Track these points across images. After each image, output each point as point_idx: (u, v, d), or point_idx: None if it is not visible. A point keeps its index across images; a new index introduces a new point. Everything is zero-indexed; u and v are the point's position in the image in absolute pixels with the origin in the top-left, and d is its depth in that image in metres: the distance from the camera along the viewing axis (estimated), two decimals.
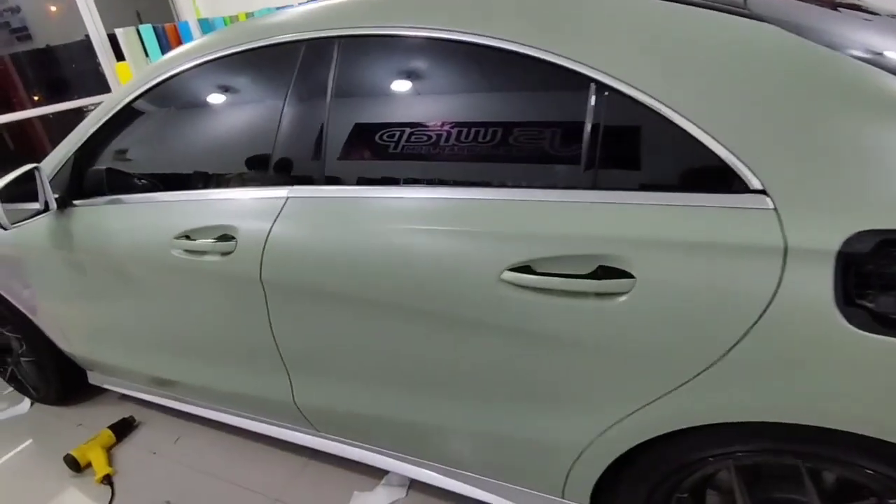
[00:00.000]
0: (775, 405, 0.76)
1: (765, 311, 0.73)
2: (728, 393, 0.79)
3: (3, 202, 1.38)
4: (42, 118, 4.73)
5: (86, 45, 4.59)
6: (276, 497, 1.50)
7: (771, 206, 0.74)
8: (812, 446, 0.79)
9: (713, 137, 0.78)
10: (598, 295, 0.84)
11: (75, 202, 1.52)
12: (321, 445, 1.46)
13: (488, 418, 1.05)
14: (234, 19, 4.03)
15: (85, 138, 1.49)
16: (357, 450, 1.39)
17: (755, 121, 0.76)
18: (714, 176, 0.78)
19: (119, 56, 4.05)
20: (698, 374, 0.80)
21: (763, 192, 0.75)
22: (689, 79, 0.80)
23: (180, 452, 1.72)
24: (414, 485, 1.47)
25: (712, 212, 0.77)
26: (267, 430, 1.55)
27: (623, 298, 0.82)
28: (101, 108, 1.48)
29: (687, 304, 0.78)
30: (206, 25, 3.96)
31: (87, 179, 1.52)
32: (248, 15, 4.06)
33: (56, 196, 1.48)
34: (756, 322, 0.74)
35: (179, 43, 3.92)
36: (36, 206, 1.46)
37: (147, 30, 3.78)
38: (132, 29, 3.74)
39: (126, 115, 1.45)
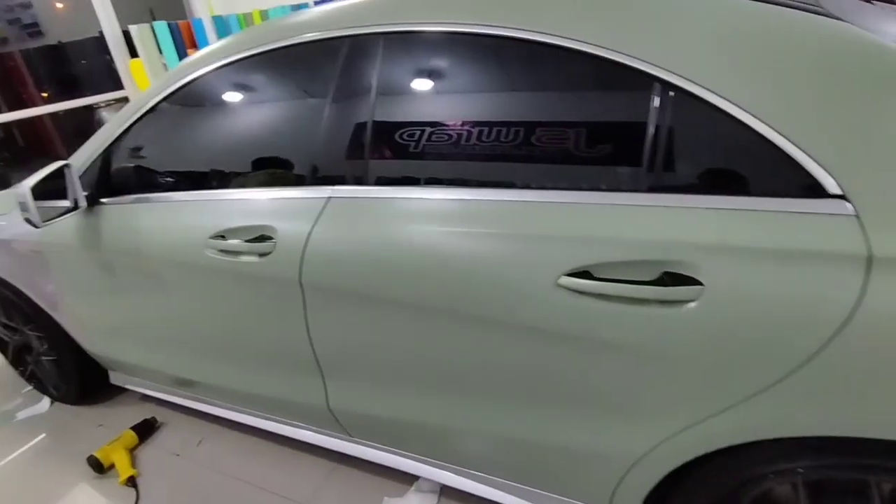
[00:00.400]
0: (854, 419, 0.74)
1: (846, 322, 0.70)
2: (801, 406, 0.76)
3: (34, 199, 1.35)
4: (52, 114, 4.70)
5: (98, 42, 4.57)
6: (305, 502, 1.48)
7: (852, 212, 0.71)
8: (886, 460, 0.76)
9: (788, 139, 0.75)
10: (663, 302, 0.81)
11: (103, 200, 1.49)
12: (350, 450, 1.44)
13: (536, 425, 1.02)
14: (248, 17, 4.01)
15: (115, 136, 1.47)
16: (388, 455, 1.37)
17: (833, 122, 0.74)
18: (789, 180, 0.76)
19: (133, 53, 4.03)
20: (769, 387, 0.77)
21: (842, 197, 0.72)
22: (760, 77, 0.78)
23: (203, 455, 1.70)
24: (446, 491, 1.45)
25: (787, 217, 0.75)
26: (293, 433, 1.52)
27: (691, 306, 0.79)
28: (132, 106, 1.46)
29: (760, 313, 0.75)
30: (219, 22, 3.94)
31: (117, 177, 1.50)
32: (263, 13, 4.04)
33: (85, 194, 1.45)
34: (836, 333, 0.71)
35: (193, 40, 3.90)
36: (63, 203, 1.43)
37: (161, 26, 3.76)
38: (146, 26, 3.72)
39: (157, 114, 1.43)
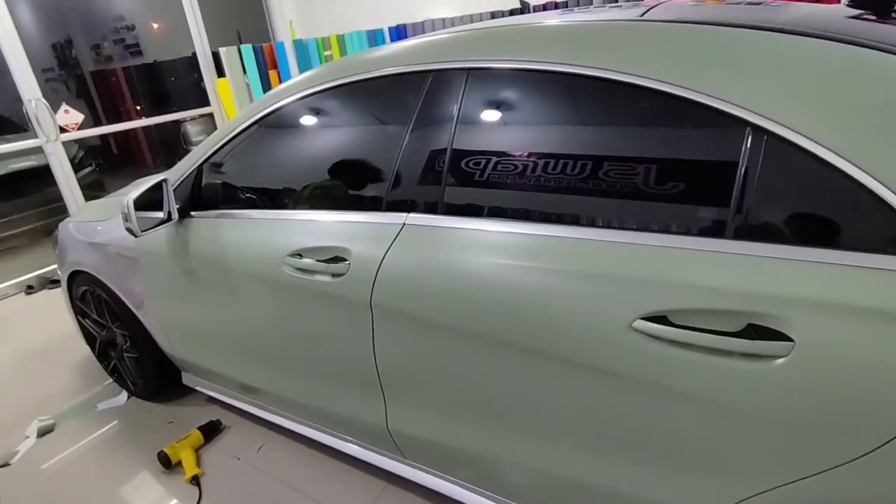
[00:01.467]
0: None
1: None
2: (891, 482, 0.71)
3: (136, 211, 1.48)
4: (144, 125, 5.11)
5: (188, 61, 4.97)
6: None
7: None
8: None
9: (893, 191, 0.71)
10: (747, 356, 0.78)
11: (193, 213, 1.61)
12: (403, 471, 1.45)
13: (600, 470, 1.00)
14: (326, 41, 4.23)
15: (208, 154, 1.58)
16: (440, 480, 1.37)
17: None
18: (893, 235, 0.71)
19: (219, 72, 4.34)
20: (858, 458, 0.72)
21: None
22: (864, 124, 0.74)
23: (263, 461, 1.76)
24: None
25: (891, 276, 0.70)
26: (349, 448, 1.55)
27: (779, 362, 0.75)
28: (224, 129, 1.57)
29: (856, 376, 0.71)
30: (300, 46, 4.18)
31: (206, 193, 1.61)
32: (340, 37, 4.24)
33: (178, 207, 1.57)
34: None
35: (275, 61, 4.15)
36: (158, 214, 1.56)
37: (247, 49, 4.03)
38: (234, 48, 4.00)
39: (248, 136, 1.53)
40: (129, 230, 1.49)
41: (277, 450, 1.80)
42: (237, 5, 5.40)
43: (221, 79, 4.24)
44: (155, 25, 6.38)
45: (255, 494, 1.63)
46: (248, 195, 1.54)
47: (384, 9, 4.68)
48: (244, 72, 4.09)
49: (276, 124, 1.49)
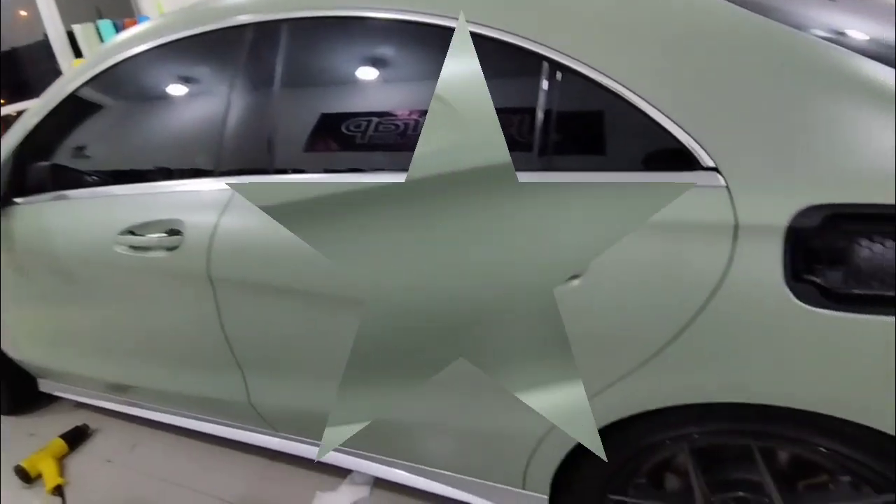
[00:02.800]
0: (728, 385, 0.75)
1: (716, 290, 0.71)
2: (681, 375, 0.78)
3: None
4: (4, 119, 4.55)
5: (47, 45, 4.44)
6: (238, 501, 1.45)
7: (722, 183, 0.72)
8: (765, 425, 0.78)
9: (665, 115, 0.76)
10: None
11: (17, 200, 1.44)
12: (281, 446, 1.41)
13: (445, 411, 1.02)
14: None
15: (26, 132, 1.41)
16: (316, 449, 1.35)
17: (707, 98, 0.75)
18: (666, 154, 0.77)
19: (78, 53, 3.92)
20: (650, 358, 0.78)
21: (715, 169, 0.73)
22: (639, 55, 0.79)
23: (137, 460, 1.66)
24: (378, 482, 1.43)
25: (662, 188, 0.76)
26: (226, 432, 1.49)
27: (575, 283, 0.79)
28: (43, 99, 1.41)
29: (638, 285, 0.76)
30: None
31: (30, 175, 1.44)
32: None
33: None
34: (707, 301, 0.72)
35: None
36: None
37: (106, 25, 3.67)
38: (90, 25, 3.63)
39: (70, 106, 1.38)
40: None
41: (153, 446, 1.70)
42: None
43: (79, 59, 3.83)
44: (13, 11, 5.64)
45: (128, 494, 1.53)
46: (79, 173, 1.40)
47: None
48: None
49: (103, 89, 1.35)
